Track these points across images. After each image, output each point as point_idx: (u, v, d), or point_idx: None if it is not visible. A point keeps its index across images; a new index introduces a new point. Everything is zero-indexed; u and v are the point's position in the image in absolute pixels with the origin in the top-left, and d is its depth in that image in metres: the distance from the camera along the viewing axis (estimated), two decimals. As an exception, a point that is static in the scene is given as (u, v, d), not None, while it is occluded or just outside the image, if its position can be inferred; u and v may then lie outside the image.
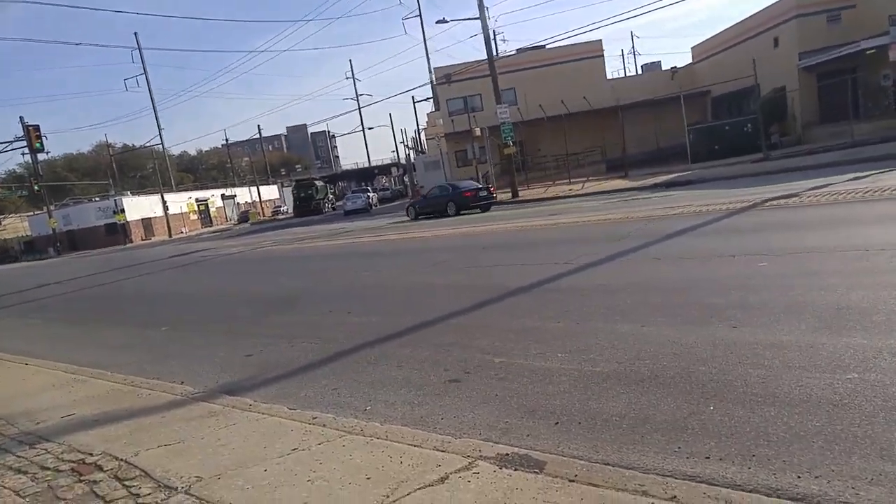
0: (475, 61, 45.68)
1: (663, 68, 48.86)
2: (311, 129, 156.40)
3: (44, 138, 38.27)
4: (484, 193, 25.41)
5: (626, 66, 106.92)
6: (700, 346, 4.58)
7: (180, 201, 66.55)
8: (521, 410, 4.07)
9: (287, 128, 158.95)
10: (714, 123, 33.75)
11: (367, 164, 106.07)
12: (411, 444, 3.77)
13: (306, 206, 55.67)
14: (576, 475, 3.00)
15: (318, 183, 61.15)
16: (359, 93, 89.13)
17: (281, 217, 66.49)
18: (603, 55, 46.34)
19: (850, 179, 12.77)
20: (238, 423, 4.70)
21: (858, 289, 5.24)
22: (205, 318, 10.02)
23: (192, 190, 75.82)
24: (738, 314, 5.14)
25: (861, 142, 21.61)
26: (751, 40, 35.51)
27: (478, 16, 30.87)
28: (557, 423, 3.78)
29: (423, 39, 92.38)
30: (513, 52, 44.95)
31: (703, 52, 42.65)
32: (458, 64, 47.12)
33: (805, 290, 5.48)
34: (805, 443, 3.02)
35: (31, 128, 37.45)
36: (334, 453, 3.79)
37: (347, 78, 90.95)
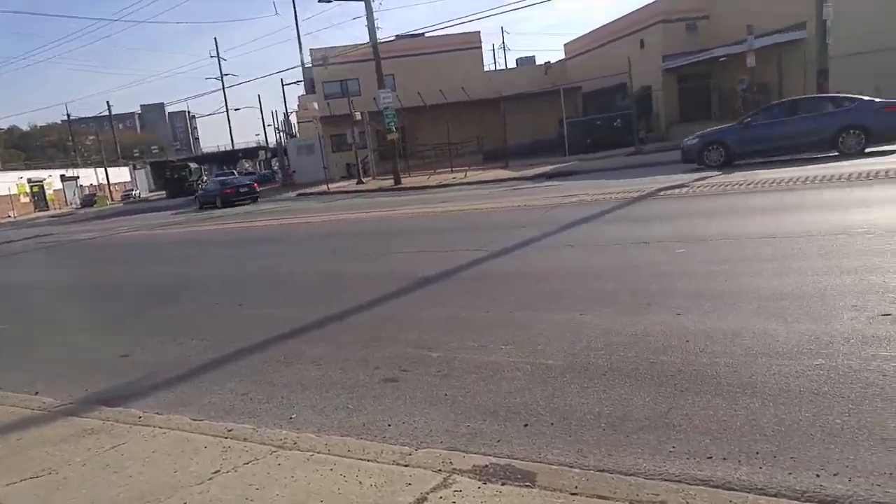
0: (353, 45, 44.54)
1: (537, 63, 50.31)
2: (169, 109, 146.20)
3: None
4: (244, 190, 31.62)
5: (496, 60, 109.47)
6: (651, 334, 4.40)
7: (8, 182, 59.12)
8: (480, 412, 3.65)
9: (141, 106, 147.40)
10: (588, 118, 35.27)
11: (230, 148, 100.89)
12: (363, 459, 3.21)
13: (179, 187, 55.35)
14: (576, 487, 2.63)
15: (192, 165, 61.47)
16: (224, 72, 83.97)
17: (134, 201, 61.44)
18: (481, 47, 46.92)
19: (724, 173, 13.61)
20: (128, 440, 3.88)
21: (784, 274, 5.34)
22: (57, 313, 8.65)
23: (23, 170, 67.55)
24: (676, 301, 5.05)
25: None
26: (620, 41, 37.44)
27: (360, -3, 29.96)
28: (527, 424, 3.40)
29: (294, 21, 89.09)
30: (392, 38, 44.15)
31: (575, 49, 44.45)
32: (336, 46, 45.71)
33: (732, 277, 5.52)
34: (804, 436, 2.85)
35: None
36: (270, 475, 3.15)
37: (212, 56, 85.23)
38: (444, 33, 41.04)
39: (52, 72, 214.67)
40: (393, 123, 28.42)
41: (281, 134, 64.06)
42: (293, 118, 77.01)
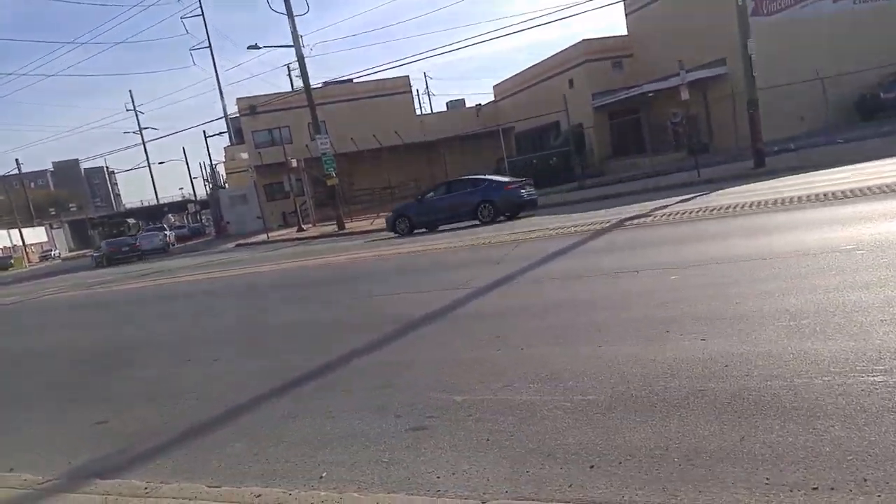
0: (280, 93, 44.34)
1: (467, 106, 51.39)
2: (84, 165, 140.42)
3: None
4: (126, 249, 36.97)
5: (421, 105, 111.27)
6: (685, 361, 4.31)
7: None
8: (535, 456, 3.42)
9: (53, 163, 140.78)
10: (525, 157, 36.04)
11: (154, 202, 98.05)
12: (429, 517, 2.93)
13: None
14: (689, 529, 2.44)
15: (130, 220, 58.10)
16: (142, 126, 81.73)
17: (53, 261, 58.21)
18: (411, 91, 47.64)
19: (680, 201, 14.05)
20: (145, 519, 3.44)
21: (791, 294, 5.39)
22: (9, 382, 7.85)
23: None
24: (695, 327, 5.00)
25: (655, 172, 24.32)
26: (549, 80, 38.78)
27: (291, 44, 29.89)
28: (593, 466, 3.19)
29: (214, 71, 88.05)
30: (320, 85, 44.15)
31: (505, 90, 45.73)
32: (263, 95, 45.37)
33: (740, 299, 5.53)
34: (904, 457, 2.77)
35: None
36: (330, 545, 2.82)
37: (128, 109, 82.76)
38: (372, 78, 41.48)
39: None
40: (331, 168, 28.18)
41: (208, 186, 62.62)
42: (221, 169, 75.57)
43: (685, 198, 14.53)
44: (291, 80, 63.15)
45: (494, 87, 47.77)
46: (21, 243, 66.91)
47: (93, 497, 3.81)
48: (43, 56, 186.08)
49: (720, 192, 15.09)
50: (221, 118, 59.55)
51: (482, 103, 48.09)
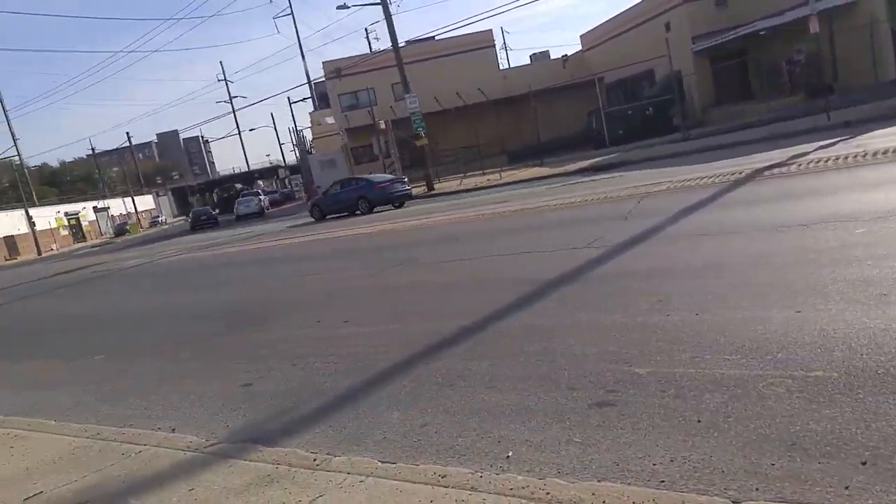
0: (366, 54, 44.17)
1: (552, 58, 49.47)
2: (183, 135, 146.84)
3: None
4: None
5: (498, 61, 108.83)
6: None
7: (47, 216, 59.60)
8: (774, 444, 2.87)
9: (157, 135, 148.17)
10: (619, 108, 34.34)
11: (245, 169, 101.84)
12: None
13: (228, 207, 56.86)
14: None
15: (238, 185, 63.83)
16: (232, 95, 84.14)
17: (161, 227, 61.67)
18: (494, 45, 46.28)
19: (819, 148, 12.71)
20: (325, 493, 3.19)
21: None
22: (151, 341, 8.00)
23: (59, 204, 68.19)
24: (914, 288, 4.26)
25: (770, 119, 22.41)
26: (642, 26, 36.50)
27: (378, 1, 29.45)
28: (865, 462, 2.62)
29: (296, 38, 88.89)
30: (402, 45, 43.55)
31: (593, 39, 43.53)
32: (348, 57, 45.34)
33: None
34: None
35: None
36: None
37: (220, 80, 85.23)
38: (454, 34, 40.42)
39: (74, 109, 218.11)
40: (420, 128, 27.78)
41: (297, 151, 64.13)
42: (307, 134, 77.16)
43: (824, 143, 13.12)
44: (370, 43, 63.13)
45: (582, 36, 45.60)
46: (134, 210, 71.30)
47: (263, 465, 3.63)
48: (144, 34, 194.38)
49: (868, 135, 13.54)
50: (305, 84, 60.57)
51: (568, 54, 46.02)
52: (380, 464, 3.43)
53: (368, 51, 52.91)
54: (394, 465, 3.38)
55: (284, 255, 15.17)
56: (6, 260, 52.70)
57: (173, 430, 4.63)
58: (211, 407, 5.06)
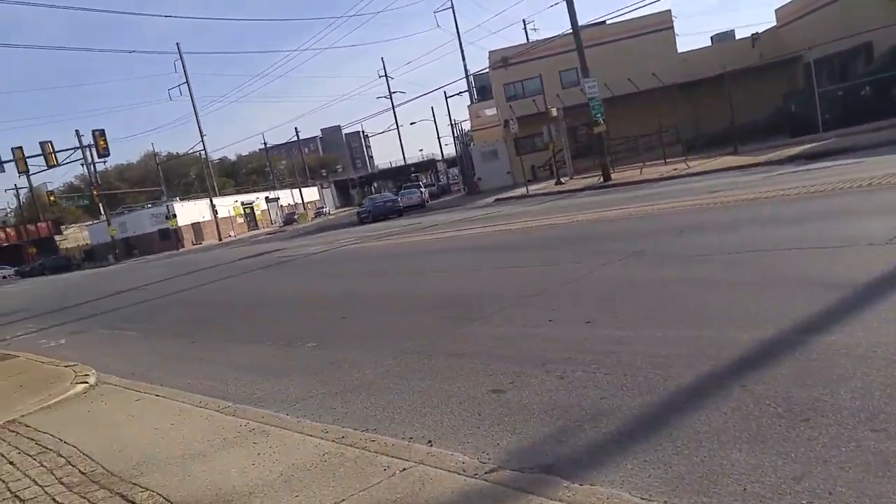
0: (535, 41, 43.06)
1: (737, 38, 45.16)
2: (344, 130, 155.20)
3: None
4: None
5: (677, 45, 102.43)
6: None
7: (226, 205, 65.54)
8: None
9: (321, 130, 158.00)
10: (825, 90, 30.20)
11: (402, 163, 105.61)
12: None
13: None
14: None
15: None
16: (392, 90, 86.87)
17: (325, 217, 65.16)
18: (672, 27, 43.06)
19: None
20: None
21: None
22: (363, 332, 7.50)
23: (236, 194, 74.90)
24: None
25: None
26: (857, -6, 31.87)
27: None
28: None
29: (456, 30, 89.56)
30: (566, 33, 41.87)
31: (791, 13, 38.90)
32: (514, 46, 44.53)
33: None
34: None
35: (97, 132, 36.39)
36: None
37: (380, 76, 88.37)
38: (629, 17, 38.09)
39: (247, 107, 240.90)
40: (600, 114, 26.17)
41: (458, 144, 64.66)
42: (466, 126, 77.91)
43: None
44: (527, 34, 61.96)
45: (777, 10, 40.98)
46: (301, 201, 76.34)
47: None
48: (311, 36, 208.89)
49: None
50: (463, 78, 60.80)
51: (759, 32, 41.61)
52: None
53: (526, 42, 51.99)
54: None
55: (472, 245, 14.53)
56: (192, 244, 58.38)
57: (430, 442, 3.90)
58: (462, 414, 4.29)
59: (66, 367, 8.31)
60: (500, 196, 31.83)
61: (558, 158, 35.31)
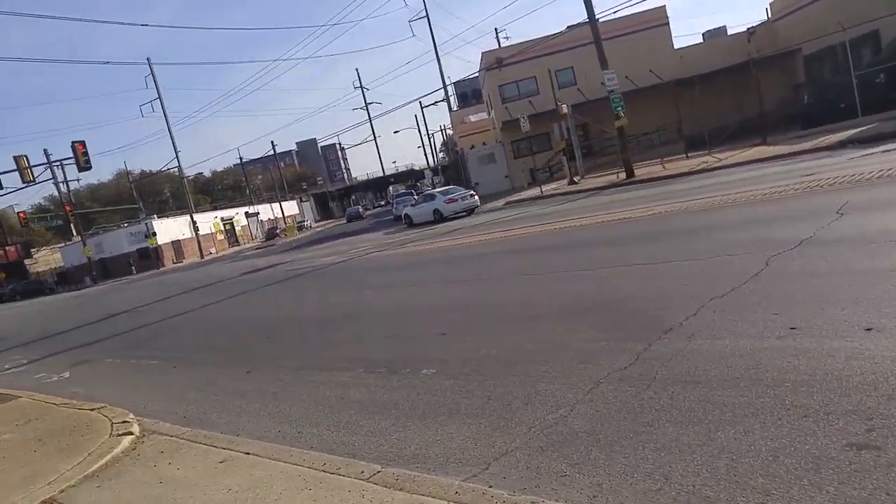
0: (530, 40, 41.82)
1: (729, 33, 44.51)
2: (320, 143, 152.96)
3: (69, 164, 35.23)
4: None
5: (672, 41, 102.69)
6: None
7: (207, 221, 63.05)
8: None
9: (297, 143, 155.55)
10: (831, 80, 29.33)
11: (380, 174, 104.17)
12: None
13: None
14: None
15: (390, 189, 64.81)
16: (368, 101, 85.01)
17: (307, 231, 63.21)
18: (668, 23, 42.20)
19: None
20: None
21: None
22: (501, 352, 5.69)
23: (213, 210, 72.39)
24: None
25: None
26: (861, -20, 31.11)
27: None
28: None
29: (431, 39, 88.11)
30: (563, 31, 40.78)
31: (787, 6, 38.27)
32: (508, 46, 43.26)
33: None
34: None
35: (77, 144, 33.73)
36: None
37: (356, 88, 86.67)
38: (621, 15, 37.06)
39: (221, 122, 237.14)
40: (620, 108, 24.84)
41: (438, 153, 63.09)
42: (445, 136, 76.67)
43: None
44: (499, 43, 60.70)
45: (771, 3, 40.34)
46: (282, 215, 74.09)
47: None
48: (291, 48, 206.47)
49: None
50: (440, 89, 59.27)
51: (754, 26, 40.89)
52: None
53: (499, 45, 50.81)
54: None
55: (563, 241, 12.88)
56: (173, 262, 55.79)
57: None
58: (537, 446, 2.64)
59: (91, 410, 6.50)
60: (509, 199, 30.28)
61: (559, 159, 33.95)
